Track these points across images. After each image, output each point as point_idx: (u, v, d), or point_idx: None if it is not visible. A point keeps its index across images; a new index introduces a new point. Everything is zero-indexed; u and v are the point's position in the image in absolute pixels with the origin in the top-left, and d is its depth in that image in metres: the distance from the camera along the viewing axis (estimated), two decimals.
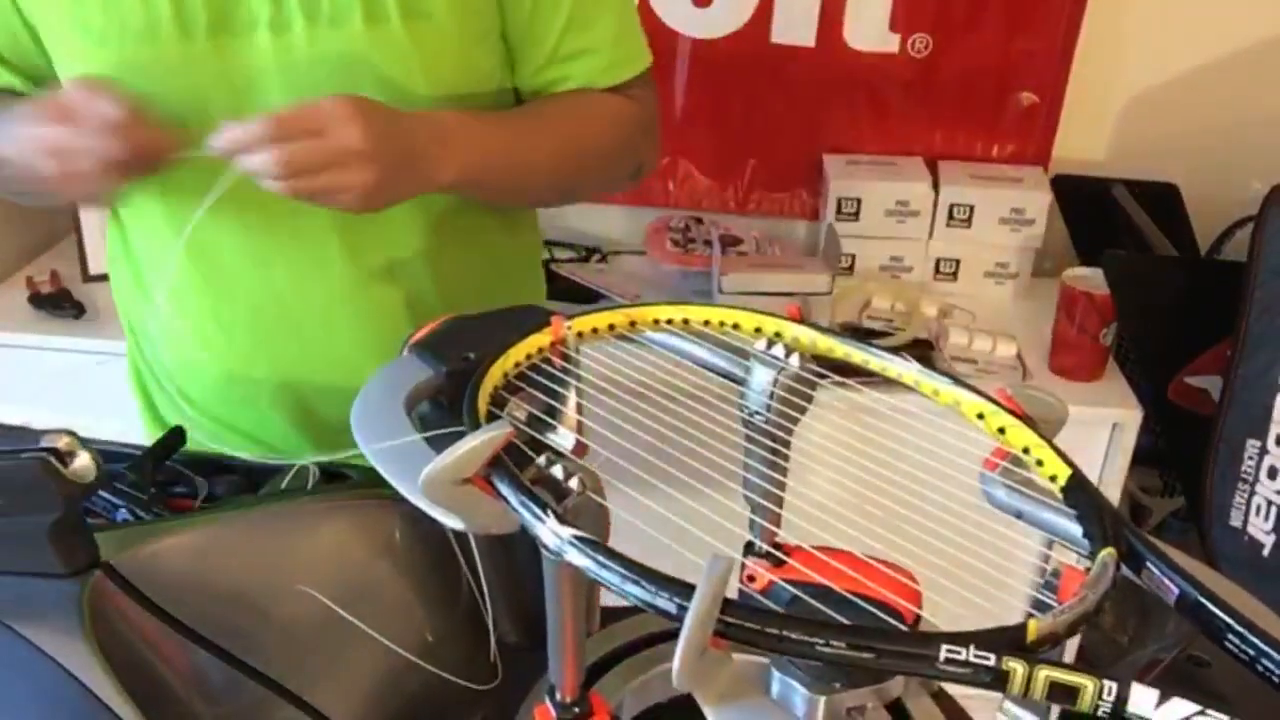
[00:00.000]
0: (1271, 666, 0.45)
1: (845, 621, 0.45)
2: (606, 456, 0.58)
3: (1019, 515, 0.54)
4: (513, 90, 1.03)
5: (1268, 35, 1.76)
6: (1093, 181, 1.81)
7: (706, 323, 0.66)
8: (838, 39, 1.79)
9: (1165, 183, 1.78)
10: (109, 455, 0.64)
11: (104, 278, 1.10)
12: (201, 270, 0.98)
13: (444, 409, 0.60)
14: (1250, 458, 1.46)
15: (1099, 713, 0.42)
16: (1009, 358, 1.63)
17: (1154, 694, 0.41)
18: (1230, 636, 0.46)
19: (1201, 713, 0.41)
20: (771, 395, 0.60)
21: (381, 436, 0.54)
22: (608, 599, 0.51)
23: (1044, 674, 0.41)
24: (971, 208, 1.77)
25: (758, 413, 0.61)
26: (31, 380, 1.61)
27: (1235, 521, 1.50)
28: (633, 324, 0.66)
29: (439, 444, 0.50)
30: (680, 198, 1.94)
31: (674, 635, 0.42)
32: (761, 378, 0.61)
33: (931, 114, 1.84)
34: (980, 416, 0.58)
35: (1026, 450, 0.56)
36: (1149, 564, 0.50)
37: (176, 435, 0.85)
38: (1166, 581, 0.49)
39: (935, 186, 1.78)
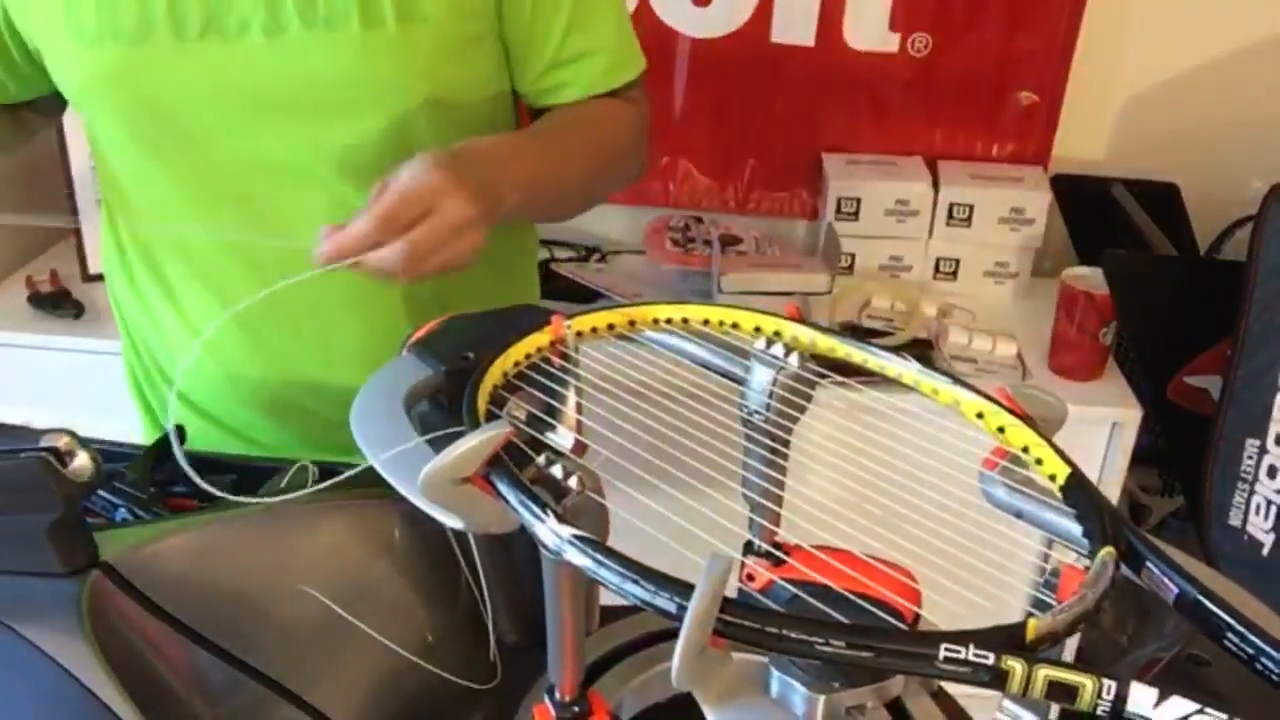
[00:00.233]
0: (1270, 665, 0.45)
1: (845, 620, 0.45)
2: (606, 456, 0.58)
3: (1018, 514, 0.54)
4: (511, 94, 1.03)
5: (1268, 35, 1.76)
6: (1092, 181, 1.81)
7: (706, 322, 0.66)
8: (837, 38, 1.79)
9: (1165, 182, 1.78)
10: (109, 455, 0.64)
11: (103, 278, 1.10)
12: (198, 272, 0.98)
13: (443, 408, 0.60)
14: (1250, 457, 1.46)
15: (1098, 711, 0.42)
16: (1008, 357, 1.63)
17: (1153, 693, 0.41)
18: (1229, 635, 0.46)
19: (1200, 711, 0.41)
20: (771, 394, 0.60)
21: (381, 436, 0.54)
22: (607, 598, 0.51)
23: (1043, 673, 0.41)
24: (971, 207, 1.77)
25: (757, 412, 0.61)
26: (31, 380, 1.61)
27: (1234, 521, 1.50)
28: (632, 323, 0.66)
29: (438, 443, 0.50)
30: (680, 197, 1.94)
31: (673, 634, 0.42)
32: (761, 377, 0.61)
33: (931, 113, 1.84)
34: (980, 416, 0.58)
35: (1026, 449, 0.56)
36: (1148, 563, 0.50)
37: (176, 435, 0.85)
38: (1166, 581, 0.49)
39: (935, 186, 1.78)
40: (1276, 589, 1.39)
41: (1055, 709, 0.46)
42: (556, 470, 0.52)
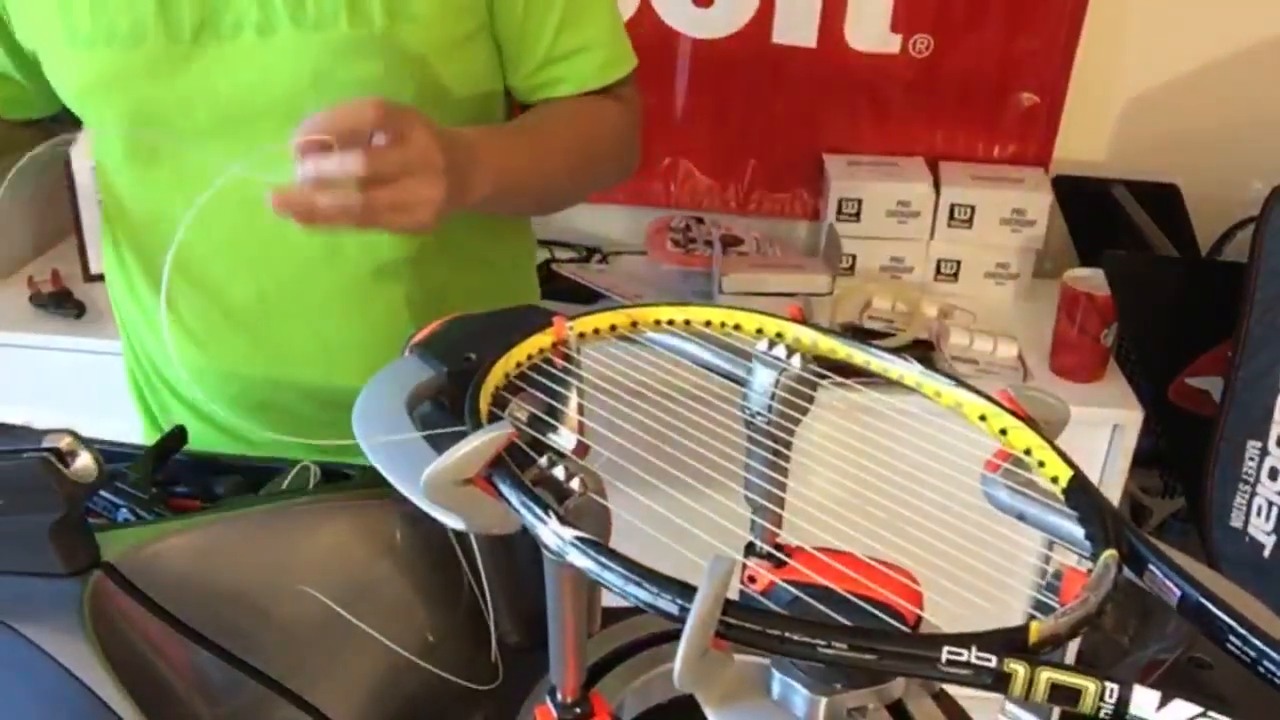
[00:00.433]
0: (1273, 668, 0.45)
1: (847, 623, 0.45)
2: (608, 457, 0.58)
3: (1021, 517, 0.54)
4: (503, 93, 1.03)
5: (1268, 35, 1.76)
6: (1093, 182, 1.81)
7: (708, 323, 0.66)
8: (839, 39, 1.79)
9: (1166, 183, 1.78)
10: (110, 455, 0.64)
11: (104, 278, 1.11)
12: (193, 273, 0.98)
13: (445, 409, 0.60)
14: (1251, 459, 1.46)
15: (1100, 714, 0.42)
16: (1010, 358, 1.63)
17: (1156, 696, 0.41)
18: (1232, 638, 0.46)
19: (1203, 714, 0.41)
20: (773, 396, 0.60)
21: (382, 436, 0.54)
22: (609, 599, 0.51)
23: (1046, 675, 0.41)
24: (972, 208, 1.77)
25: (759, 413, 0.61)
26: (33, 380, 1.61)
27: (1236, 522, 1.50)
28: (634, 324, 0.66)
29: (440, 444, 0.50)
30: (681, 198, 1.94)
31: (675, 636, 0.42)
32: (763, 378, 0.61)
33: (932, 114, 1.84)
34: (982, 418, 0.58)
35: (1028, 451, 0.56)
36: (1151, 566, 0.50)
37: (178, 435, 0.85)
38: (1169, 583, 0.48)
39: (936, 187, 1.78)
40: (1278, 590, 1.39)
41: (1057, 712, 0.46)
42: (558, 471, 0.52)
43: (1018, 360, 1.63)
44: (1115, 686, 0.42)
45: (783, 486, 0.62)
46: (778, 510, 0.63)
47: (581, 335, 0.64)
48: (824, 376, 0.62)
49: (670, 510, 0.55)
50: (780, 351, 0.61)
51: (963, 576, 0.50)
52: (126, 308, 1.08)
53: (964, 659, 0.41)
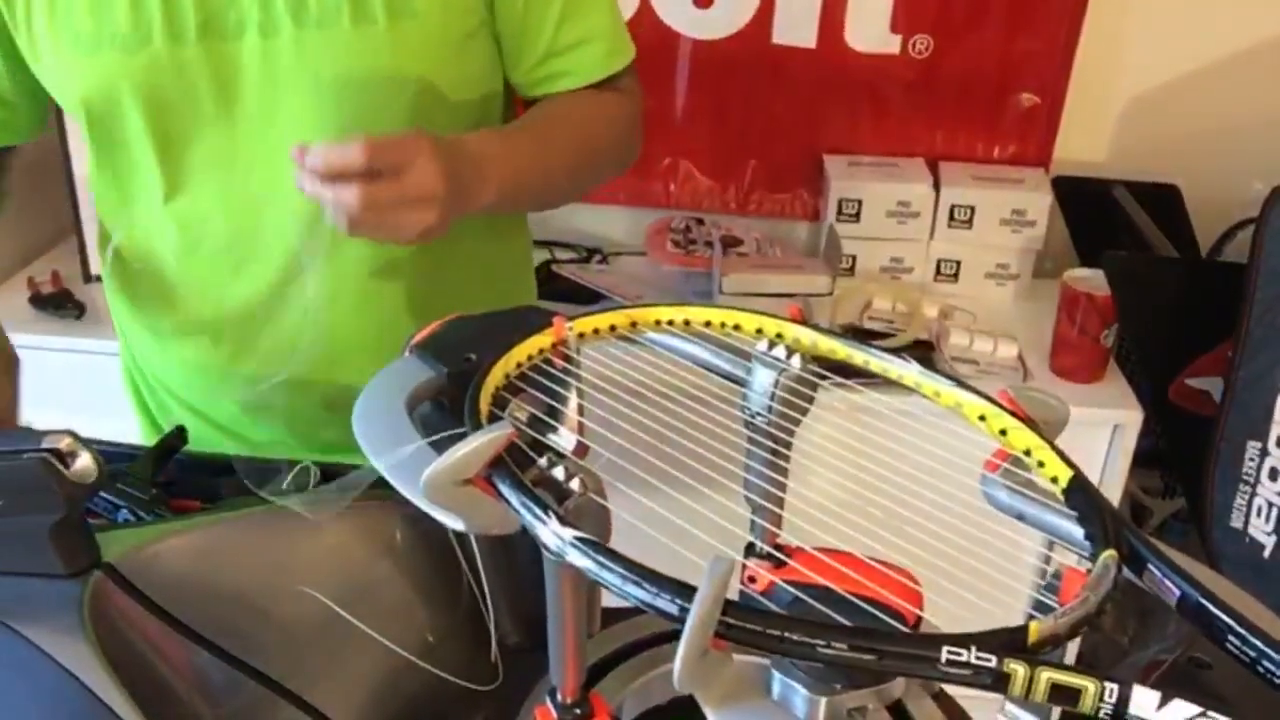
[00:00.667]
0: (1272, 668, 0.45)
1: (846, 623, 0.45)
2: (608, 457, 0.58)
3: (1020, 517, 0.54)
4: (503, 89, 1.03)
5: (1268, 35, 1.76)
6: (1093, 182, 1.81)
7: (707, 324, 0.66)
8: (839, 40, 1.79)
9: (1166, 183, 1.78)
10: (110, 455, 0.64)
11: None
12: (195, 272, 0.99)
13: (445, 410, 0.60)
14: (1251, 459, 1.46)
15: (1100, 714, 0.42)
16: (1010, 359, 1.63)
17: (1155, 696, 0.41)
18: (1231, 638, 0.46)
19: (1203, 714, 0.41)
20: (773, 396, 0.60)
21: (383, 438, 0.54)
22: (609, 600, 0.51)
23: (1045, 676, 0.41)
24: (972, 209, 1.77)
25: (759, 414, 0.61)
26: (32, 380, 1.61)
27: (1236, 523, 1.49)
28: (634, 325, 0.66)
29: (440, 445, 0.50)
30: (681, 198, 1.94)
31: (675, 636, 0.42)
32: (763, 379, 0.61)
33: (932, 115, 1.84)
34: (982, 418, 0.58)
35: (1028, 452, 0.56)
36: (1151, 566, 0.50)
37: (178, 436, 0.85)
38: (1168, 583, 0.48)
39: (936, 187, 1.78)
40: (1278, 591, 1.39)
41: (1057, 712, 0.46)
42: (558, 472, 0.52)
43: (1018, 361, 1.63)
44: (1115, 686, 0.42)
45: (782, 487, 0.62)
46: (777, 510, 0.63)
47: (581, 336, 0.64)
48: (824, 377, 0.62)
49: (670, 510, 0.55)
50: (780, 352, 0.61)
51: (962, 577, 0.50)
52: (121, 306, 1.08)
53: (964, 659, 0.41)
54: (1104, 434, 1.58)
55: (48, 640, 0.61)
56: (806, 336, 0.64)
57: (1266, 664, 0.45)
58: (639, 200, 1.93)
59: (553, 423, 0.60)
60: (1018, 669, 0.41)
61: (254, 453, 0.99)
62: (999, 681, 0.42)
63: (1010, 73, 1.79)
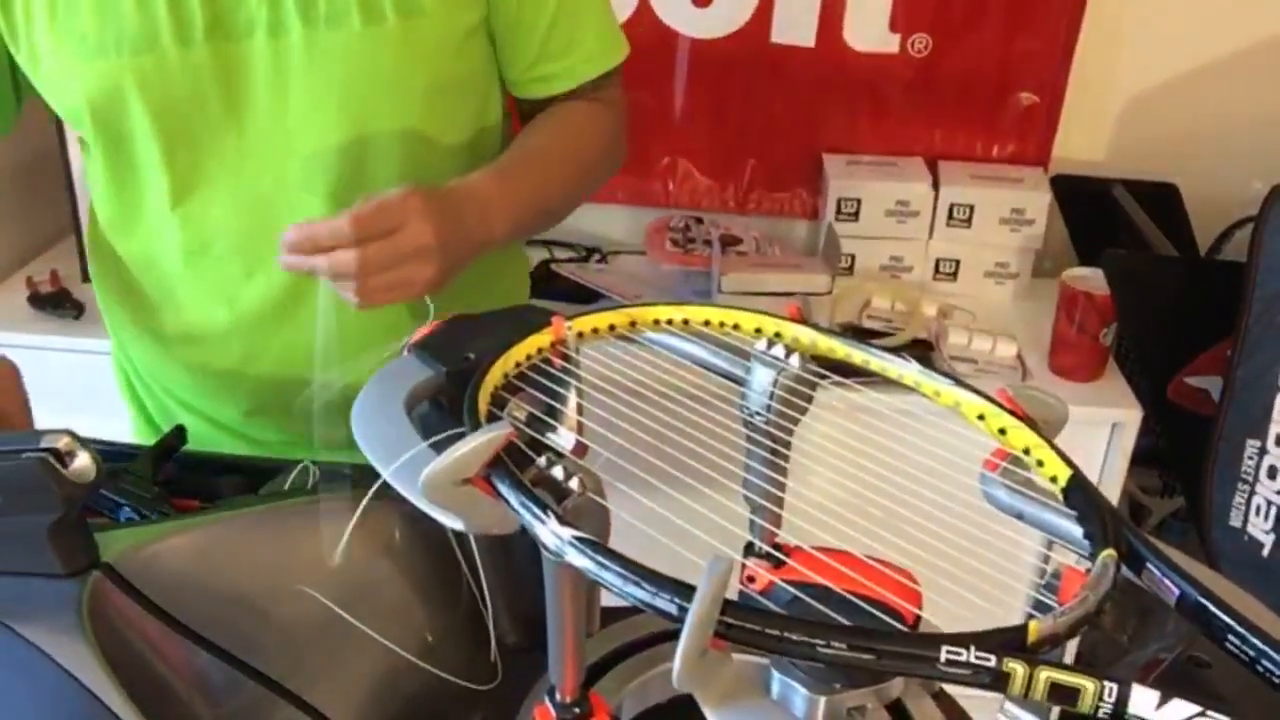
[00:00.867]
0: (1272, 667, 0.45)
1: (846, 622, 0.45)
2: (607, 457, 0.58)
3: (1019, 516, 0.54)
4: (500, 86, 1.03)
5: (1268, 35, 1.76)
6: (1092, 181, 1.81)
7: (706, 323, 0.66)
8: (838, 39, 1.79)
9: (1165, 183, 1.78)
10: (109, 455, 0.64)
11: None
12: (205, 275, 0.98)
13: (444, 409, 0.60)
14: (1250, 458, 1.46)
15: (1099, 714, 0.42)
16: (1009, 358, 1.63)
17: (1154, 695, 0.41)
18: (1231, 637, 0.46)
19: (1202, 714, 0.41)
20: (772, 395, 0.60)
21: (382, 437, 0.54)
22: (608, 599, 0.51)
23: (1045, 675, 0.41)
24: (971, 208, 1.77)
25: (758, 413, 0.61)
26: (31, 380, 1.61)
27: (1235, 521, 1.50)
28: (633, 324, 0.66)
29: (439, 445, 0.50)
30: (680, 198, 1.94)
31: (674, 636, 0.42)
32: (762, 378, 0.61)
33: (931, 114, 1.84)
34: (981, 417, 0.58)
35: (1027, 451, 0.56)
36: (1150, 565, 0.50)
37: (177, 435, 0.85)
38: (1167, 582, 0.49)
39: (935, 186, 1.78)
40: (1277, 590, 1.39)
41: (1056, 711, 0.46)
42: (557, 471, 0.52)
43: (1017, 360, 1.63)
44: (1114, 686, 0.42)
45: (781, 486, 0.62)
46: (776, 510, 0.63)
47: (580, 335, 0.64)
48: (823, 376, 0.62)
49: (669, 510, 0.55)
50: (779, 351, 0.61)
51: (962, 576, 0.50)
52: (116, 307, 1.07)
53: (963, 658, 0.41)
54: (1103, 433, 1.58)
55: (46, 640, 0.61)
56: (805, 335, 0.64)
57: (1266, 663, 0.45)
58: (638, 199, 1.93)
59: (552, 422, 0.60)
60: (1017, 668, 0.41)
61: (259, 453, 0.99)
62: (998, 681, 0.42)
63: (1009, 72, 1.79)
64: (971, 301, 1.78)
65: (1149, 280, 1.58)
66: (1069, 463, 0.54)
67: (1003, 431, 0.57)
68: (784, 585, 0.52)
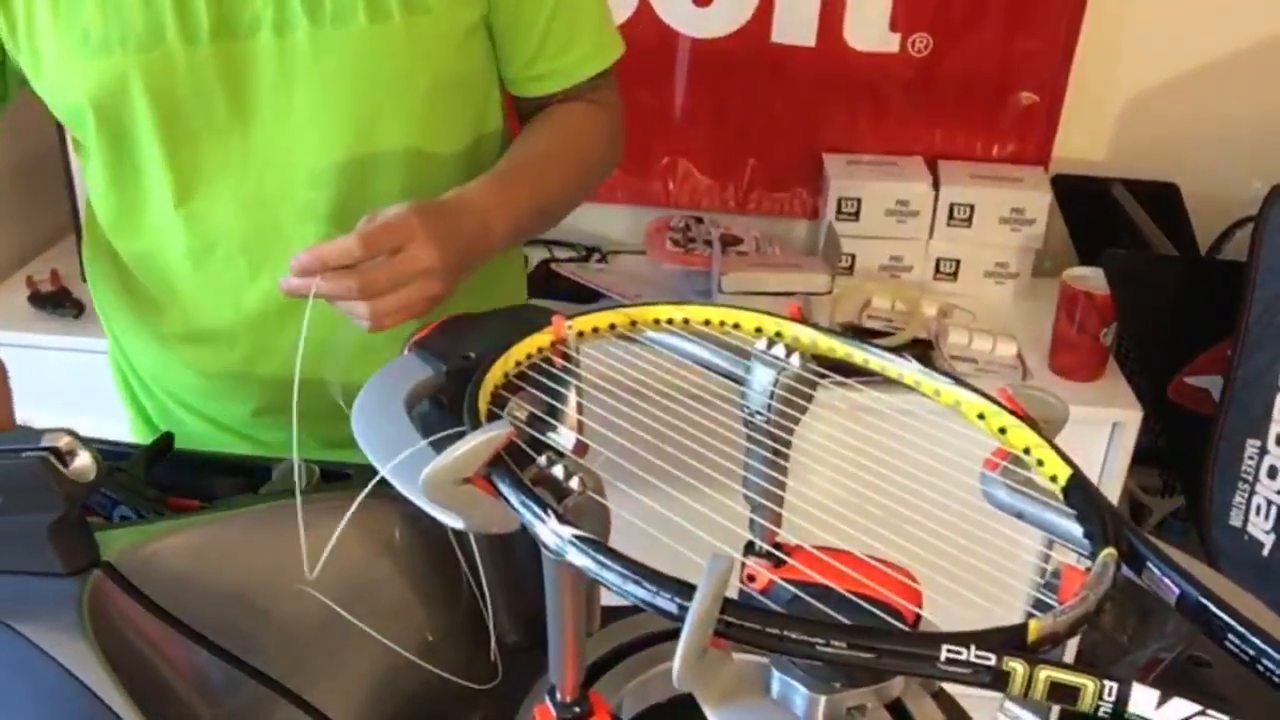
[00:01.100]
0: (1272, 666, 0.45)
1: (846, 621, 0.45)
2: (607, 456, 0.58)
3: (1020, 515, 0.54)
4: (501, 88, 1.04)
5: (1268, 35, 1.76)
6: (1093, 181, 1.81)
7: (707, 322, 0.66)
8: (838, 39, 1.79)
9: (1165, 182, 1.78)
10: (109, 454, 0.64)
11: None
12: (211, 275, 0.98)
13: (444, 408, 0.60)
14: (1250, 457, 1.46)
15: (1099, 713, 0.42)
16: (1009, 357, 1.63)
17: (1154, 694, 0.41)
18: (1231, 637, 0.46)
19: (1202, 713, 0.41)
20: (772, 395, 0.60)
21: (382, 436, 0.54)
22: (608, 598, 0.51)
23: (1045, 674, 0.41)
24: (971, 207, 1.77)
25: (758, 412, 0.61)
26: (31, 380, 1.61)
27: (1235, 521, 1.50)
28: (633, 323, 0.66)
29: (439, 443, 0.50)
30: (680, 197, 1.94)
31: (674, 635, 0.42)
32: (762, 377, 0.61)
33: (931, 114, 1.84)
34: (981, 416, 0.58)
35: (1027, 450, 0.56)
36: (1150, 564, 0.50)
37: (165, 441, 0.85)
38: (1168, 582, 0.49)
39: (935, 186, 1.78)
40: (1277, 589, 1.39)
41: (1056, 710, 0.46)
42: (558, 470, 0.52)
43: (1017, 359, 1.63)
44: (1114, 685, 0.42)
45: (782, 485, 0.62)
46: (777, 509, 0.63)
47: (580, 334, 0.64)
48: (823, 375, 0.62)
49: (669, 509, 0.55)
50: (779, 350, 0.61)
51: (962, 575, 0.50)
52: (114, 308, 1.07)
53: (963, 657, 0.41)
54: (1103, 432, 1.58)
55: (47, 639, 0.61)
56: (806, 335, 0.64)
57: (1266, 662, 0.45)
58: (638, 199, 1.93)
59: (552, 421, 0.60)
60: (1017, 667, 0.41)
61: (263, 454, 0.99)
62: (998, 680, 0.42)
63: (1009, 72, 1.79)
64: (972, 301, 1.78)
65: (1149, 280, 1.58)
66: (1069, 462, 0.54)
67: (1003, 431, 0.57)
68: (784, 584, 0.52)
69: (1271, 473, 1.44)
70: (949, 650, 0.41)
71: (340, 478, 0.80)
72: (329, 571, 0.71)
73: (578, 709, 0.63)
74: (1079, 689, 0.42)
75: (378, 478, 0.51)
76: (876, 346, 0.62)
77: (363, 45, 0.89)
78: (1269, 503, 1.44)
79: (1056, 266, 1.71)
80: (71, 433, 0.62)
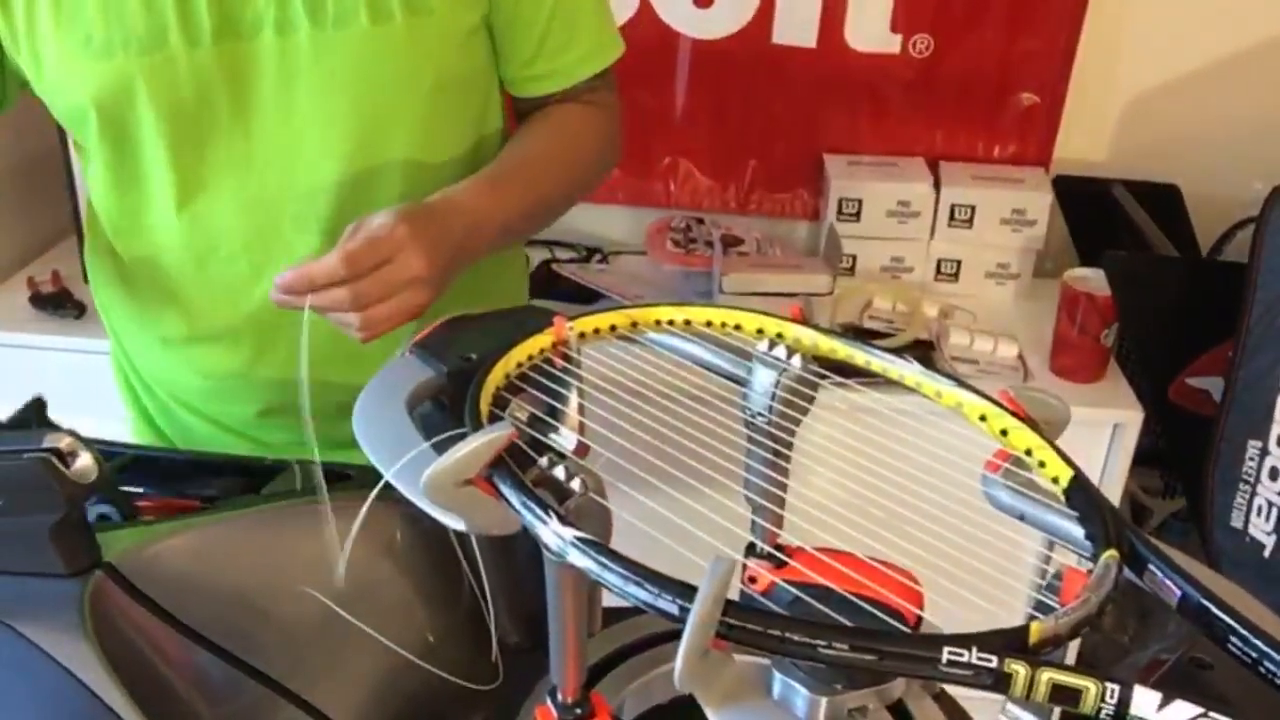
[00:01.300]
0: (1274, 668, 0.45)
1: (847, 623, 0.45)
2: (608, 457, 0.58)
3: (1021, 517, 0.54)
4: (501, 89, 1.04)
5: (1268, 35, 1.76)
6: (1093, 182, 1.81)
7: (708, 323, 0.66)
8: (839, 39, 1.79)
9: (1166, 183, 1.78)
10: (110, 455, 0.64)
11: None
12: (215, 275, 0.98)
13: (445, 409, 0.60)
14: (1251, 459, 1.46)
15: (1101, 715, 0.42)
16: (1010, 358, 1.63)
17: (1156, 696, 0.41)
18: (1233, 639, 0.46)
19: (1204, 715, 0.41)
20: (773, 396, 0.60)
21: (383, 437, 0.54)
22: (609, 600, 0.51)
23: (1046, 676, 0.41)
24: (973, 208, 1.77)
25: (759, 414, 0.61)
26: (32, 380, 1.61)
27: (1236, 522, 1.50)
28: (634, 325, 0.66)
29: (441, 445, 0.50)
30: (681, 198, 1.94)
31: (675, 636, 0.42)
32: (763, 379, 0.61)
33: (932, 114, 1.84)
34: (982, 418, 0.58)
35: (1029, 452, 0.56)
36: (1151, 566, 0.49)
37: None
38: (1169, 584, 0.48)
39: (936, 187, 1.78)
40: (1278, 591, 1.39)
41: (1057, 712, 0.46)
42: (559, 472, 0.52)
43: (1018, 360, 1.63)
44: (1116, 687, 0.42)
45: (783, 487, 0.62)
46: (778, 510, 0.63)
47: (582, 335, 0.64)
48: (824, 377, 0.61)
49: (670, 510, 0.55)
50: (780, 352, 0.61)
51: (963, 577, 0.50)
52: (115, 308, 1.07)
53: (965, 659, 0.41)
54: (1104, 434, 1.58)
55: (48, 640, 0.61)
56: (807, 336, 0.64)
57: (1268, 665, 0.45)
58: (639, 200, 1.93)
59: (553, 422, 0.60)
60: (1019, 669, 0.41)
61: (264, 454, 0.99)
62: (1000, 682, 0.42)
63: (1010, 72, 1.79)
64: (973, 302, 1.78)
65: (1150, 281, 1.58)
66: (1070, 464, 0.54)
67: (1004, 432, 0.57)
68: (785, 586, 0.52)
69: (1273, 474, 1.44)
70: (951, 652, 0.41)
71: (342, 478, 0.80)
72: (330, 572, 0.71)
73: (579, 710, 0.63)
74: (1081, 691, 0.41)
75: (382, 482, 0.51)
76: (877, 348, 0.62)
77: (364, 46, 0.89)
78: (1270, 504, 1.44)
79: (1057, 267, 1.71)
80: (73, 434, 0.62)
